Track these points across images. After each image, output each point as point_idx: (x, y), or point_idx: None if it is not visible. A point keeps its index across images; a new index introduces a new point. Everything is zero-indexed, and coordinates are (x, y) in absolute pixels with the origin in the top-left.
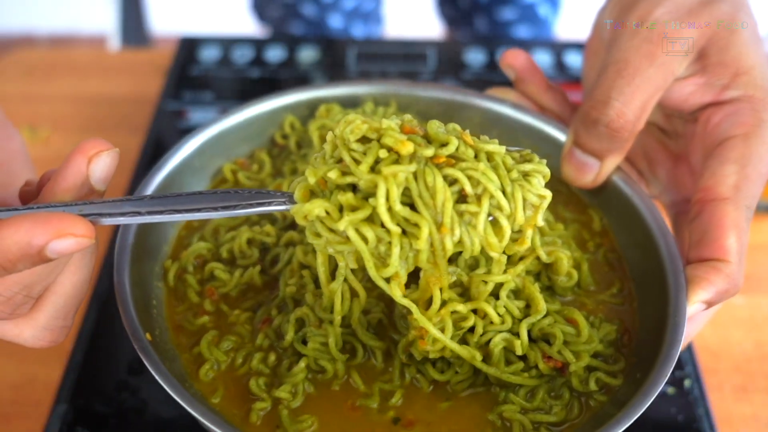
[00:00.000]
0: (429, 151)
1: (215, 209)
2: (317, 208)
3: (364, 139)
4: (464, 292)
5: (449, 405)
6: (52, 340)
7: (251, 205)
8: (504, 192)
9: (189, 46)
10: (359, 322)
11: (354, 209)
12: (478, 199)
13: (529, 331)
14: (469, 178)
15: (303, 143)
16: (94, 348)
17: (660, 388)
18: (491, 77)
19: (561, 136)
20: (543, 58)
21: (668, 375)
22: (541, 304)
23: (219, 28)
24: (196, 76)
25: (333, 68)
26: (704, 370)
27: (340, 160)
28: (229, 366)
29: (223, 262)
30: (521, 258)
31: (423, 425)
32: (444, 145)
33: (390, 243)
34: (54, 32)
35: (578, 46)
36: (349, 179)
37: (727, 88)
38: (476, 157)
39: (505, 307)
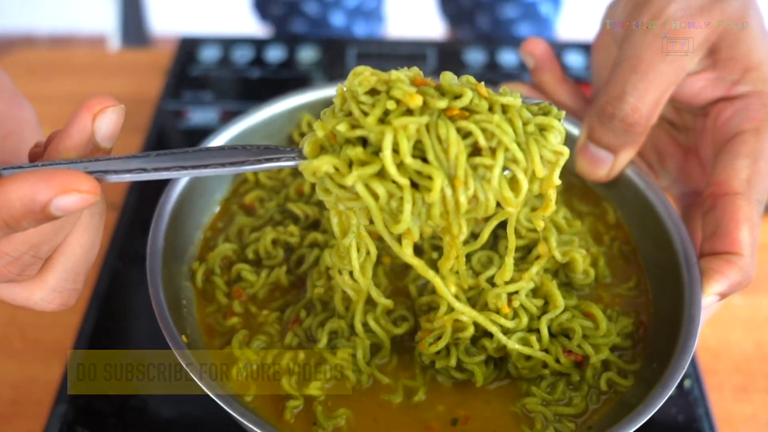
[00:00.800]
0: (442, 103)
1: (223, 165)
2: (325, 164)
3: (373, 92)
4: (474, 297)
5: (475, 398)
6: (62, 303)
7: (259, 161)
8: (520, 146)
9: (189, 46)
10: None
11: (363, 164)
12: (493, 152)
13: (549, 327)
14: (483, 130)
15: None
16: (94, 348)
17: (678, 380)
18: (491, 77)
19: (574, 130)
20: None
21: (686, 366)
22: (559, 300)
23: (219, 28)
24: (196, 76)
25: (333, 68)
26: (704, 370)
27: (349, 114)
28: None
29: (249, 263)
30: (537, 258)
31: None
32: (458, 97)
33: (402, 198)
34: (54, 32)
35: (579, 46)
36: (358, 132)
37: (737, 83)
38: (491, 109)
39: (522, 305)
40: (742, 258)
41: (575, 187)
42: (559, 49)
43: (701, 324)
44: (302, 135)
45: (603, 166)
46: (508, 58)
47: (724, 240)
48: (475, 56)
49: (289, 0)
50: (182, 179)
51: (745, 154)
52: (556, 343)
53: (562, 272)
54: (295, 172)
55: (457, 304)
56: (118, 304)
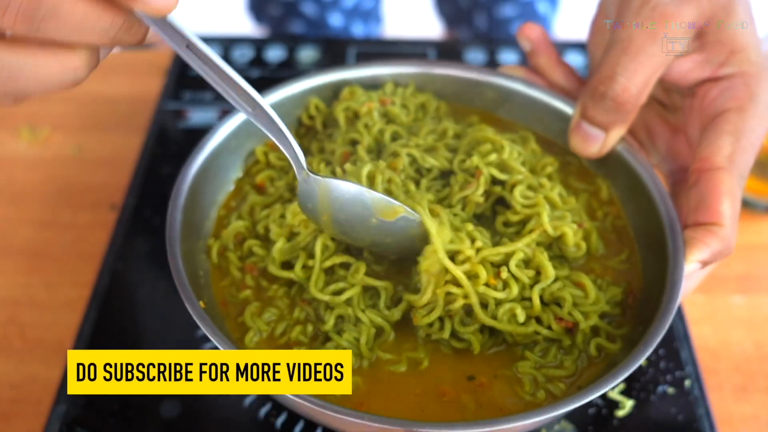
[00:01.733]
0: None
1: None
2: None
3: None
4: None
5: (476, 364)
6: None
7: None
8: None
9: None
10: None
11: None
12: None
13: (541, 296)
14: None
15: (328, 123)
16: (94, 348)
17: (659, 339)
18: None
19: (569, 109)
20: None
21: (667, 327)
22: (550, 271)
23: (219, 29)
24: (196, 76)
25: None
26: (704, 370)
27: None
28: (270, 335)
29: (260, 239)
30: (530, 231)
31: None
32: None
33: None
34: None
35: (578, 46)
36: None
37: (723, 65)
38: None
39: (513, 276)
40: (723, 228)
41: (571, 165)
42: (558, 49)
43: (686, 291)
44: (310, 117)
45: (595, 143)
46: (508, 57)
47: (706, 212)
48: (475, 55)
49: (287, 0)
50: (199, 157)
51: (729, 132)
52: (548, 311)
53: (555, 246)
54: (304, 153)
55: (446, 261)
56: (117, 303)
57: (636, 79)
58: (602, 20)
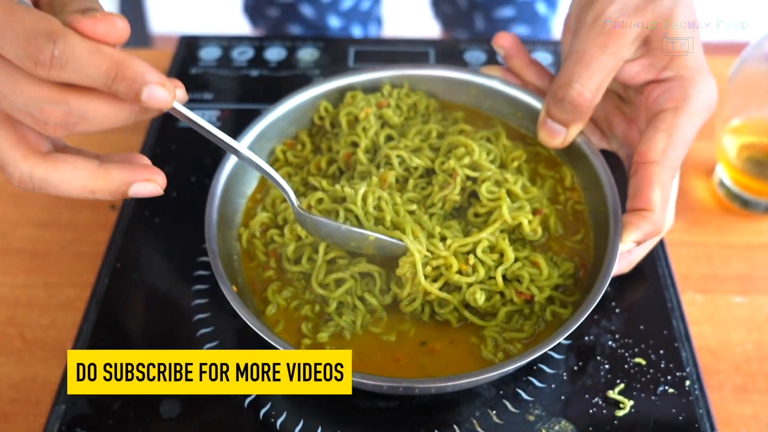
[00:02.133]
0: None
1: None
2: None
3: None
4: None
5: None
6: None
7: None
8: None
9: (189, 45)
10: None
11: None
12: None
13: (504, 275)
14: None
15: (335, 123)
16: (93, 348)
17: (593, 307)
18: None
19: (539, 105)
20: (543, 57)
21: (600, 295)
22: (510, 254)
23: (219, 29)
24: (196, 76)
25: (333, 67)
26: (704, 371)
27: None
28: (285, 308)
29: (280, 228)
30: (494, 221)
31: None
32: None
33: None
34: None
35: None
36: None
37: (664, 69)
38: None
39: (480, 260)
40: (653, 213)
41: (541, 155)
42: (559, 47)
43: (632, 262)
44: (320, 118)
45: (558, 136)
46: None
47: (640, 199)
48: (476, 55)
49: (286, 2)
50: (230, 159)
51: (663, 129)
52: (510, 287)
53: (517, 231)
54: (315, 150)
55: (424, 283)
56: (117, 303)
57: (589, 86)
58: (570, 26)
